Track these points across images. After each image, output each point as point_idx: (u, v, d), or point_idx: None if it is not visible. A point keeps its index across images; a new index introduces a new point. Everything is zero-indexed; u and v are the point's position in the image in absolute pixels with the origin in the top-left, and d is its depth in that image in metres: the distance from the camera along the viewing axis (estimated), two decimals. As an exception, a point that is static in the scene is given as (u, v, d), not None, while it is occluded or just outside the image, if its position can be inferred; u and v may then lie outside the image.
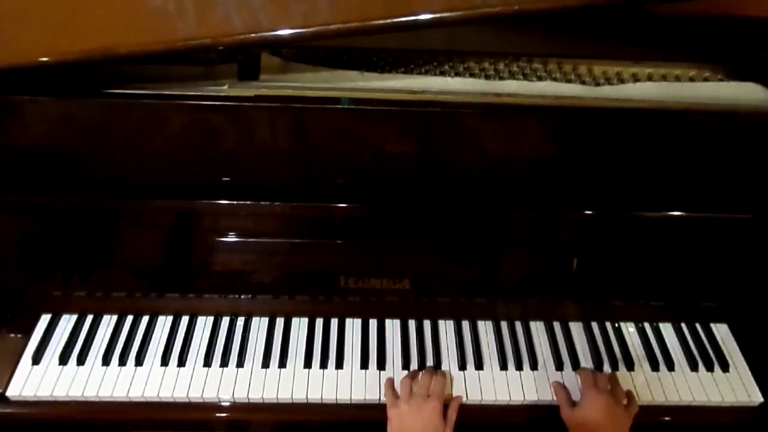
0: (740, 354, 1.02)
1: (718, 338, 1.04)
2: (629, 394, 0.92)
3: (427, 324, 1.03)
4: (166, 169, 0.90)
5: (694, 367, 0.99)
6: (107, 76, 0.86)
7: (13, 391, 0.91)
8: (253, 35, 0.75)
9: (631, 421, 0.87)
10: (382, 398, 0.93)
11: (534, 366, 0.98)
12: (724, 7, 0.97)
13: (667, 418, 0.96)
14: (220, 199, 0.91)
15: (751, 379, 0.98)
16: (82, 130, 0.86)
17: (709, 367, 0.99)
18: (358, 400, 0.93)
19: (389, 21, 0.74)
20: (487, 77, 0.95)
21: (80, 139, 0.87)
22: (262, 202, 0.91)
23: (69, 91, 0.83)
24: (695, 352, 1.01)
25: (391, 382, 0.93)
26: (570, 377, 0.97)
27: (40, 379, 0.92)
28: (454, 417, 0.89)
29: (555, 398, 0.93)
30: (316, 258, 0.97)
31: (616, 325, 1.05)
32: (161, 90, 0.85)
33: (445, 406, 0.91)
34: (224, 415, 0.93)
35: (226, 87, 0.86)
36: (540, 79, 0.95)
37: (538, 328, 1.04)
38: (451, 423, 0.88)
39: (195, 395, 0.92)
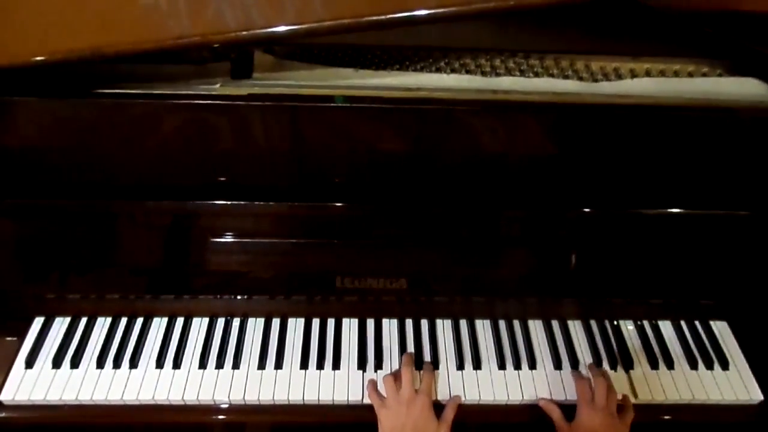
0: (740, 352, 1.01)
1: (718, 336, 1.03)
2: (625, 400, 0.92)
3: (424, 323, 1.02)
4: (159, 169, 0.89)
5: (693, 366, 0.99)
6: (98, 75, 0.85)
7: (6, 396, 0.90)
8: (244, 33, 0.74)
9: (627, 429, 0.87)
10: (380, 399, 0.92)
11: (532, 365, 0.97)
12: (722, 1, 0.96)
13: (666, 417, 0.95)
14: (214, 200, 0.90)
15: (751, 377, 0.97)
16: (72, 131, 0.85)
17: (709, 366, 0.98)
18: (355, 401, 0.92)
19: (383, 17, 0.73)
20: (484, 74, 0.93)
21: (70, 140, 0.86)
22: (256, 202, 0.90)
23: (59, 92, 0.82)
24: (695, 350, 1.01)
25: (373, 383, 0.92)
26: (568, 377, 0.96)
27: (34, 383, 0.91)
28: (452, 416, 0.88)
29: (554, 398, 0.92)
30: (312, 258, 0.96)
31: (615, 323, 1.05)
32: (153, 89, 0.83)
33: (443, 406, 0.91)
34: (220, 417, 0.93)
35: (218, 86, 0.85)
36: (537, 75, 0.94)
37: (536, 327, 1.03)
38: (448, 421, 0.87)
39: (190, 398, 0.91)
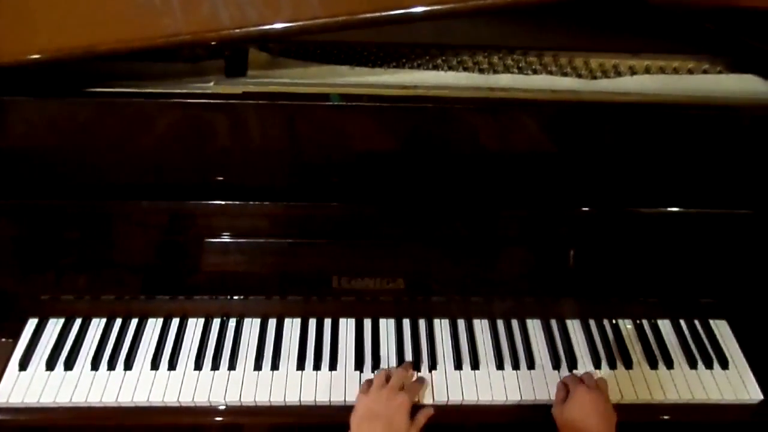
0: (739, 351, 1.00)
1: (717, 335, 1.02)
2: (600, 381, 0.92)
3: (422, 323, 1.01)
4: (153, 168, 0.88)
5: (692, 365, 0.98)
6: (91, 74, 0.84)
7: (-1, 398, 0.89)
8: (237, 30, 0.73)
9: (615, 416, 0.86)
10: (378, 399, 0.91)
11: (531, 365, 0.96)
12: (723, -3, 0.95)
13: (666, 417, 0.95)
14: (209, 200, 0.89)
15: (751, 376, 0.97)
16: (64, 130, 0.84)
17: (708, 365, 0.98)
18: (352, 402, 0.90)
19: (379, 14, 0.72)
20: (481, 71, 0.92)
21: (62, 139, 0.85)
22: (251, 202, 0.89)
23: (51, 91, 0.81)
24: (694, 349, 1.00)
25: (369, 381, 0.92)
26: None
27: (28, 386, 0.90)
28: (423, 422, 0.87)
29: (552, 397, 0.92)
30: (308, 258, 0.95)
31: (614, 322, 1.04)
32: (146, 88, 0.82)
33: (441, 409, 0.90)
34: (216, 419, 0.92)
35: (211, 84, 0.83)
36: (535, 72, 0.93)
37: (534, 326, 1.02)
38: (419, 426, 0.86)
39: (186, 399, 0.90)
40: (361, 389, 0.89)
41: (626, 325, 1.04)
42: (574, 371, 0.96)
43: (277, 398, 0.91)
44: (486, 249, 0.95)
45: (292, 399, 0.91)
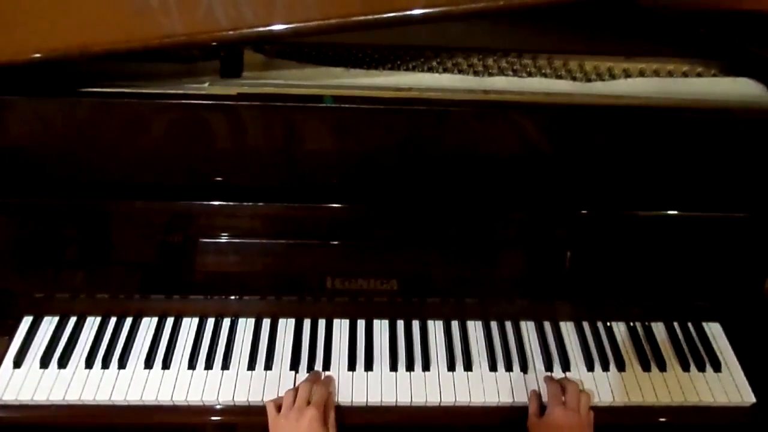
0: (732, 354, 1.00)
1: (711, 338, 1.03)
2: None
3: (415, 324, 1.02)
4: (148, 168, 0.88)
5: (685, 368, 0.98)
6: (87, 73, 0.84)
7: (-7, 396, 0.90)
8: (232, 32, 0.73)
9: (591, 428, 0.86)
10: (370, 401, 0.92)
11: (524, 367, 0.97)
12: (718, 0, 0.95)
13: (658, 419, 0.95)
14: (203, 200, 0.89)
15: (744, 379, 0.97)
16: (58, 130, 0.84)
17: (701, 368, 0.98)
18: (344, 402, 0.92)
19: (374, 17, 0.72)
20: (476, 73, 0.93)
21: (56, 139, 0.85)
22: (245, 203, 0.89)
23: (46, 91, 0.81)
24: (687, 352, 1.00)
25: (276, 398, 0.89)
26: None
27: (22, 383, 0.91)
28: (332, 415, 0.87)
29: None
30: (302, 259, 0.95)
31: (608, 324, 1.04)
32: (140, 88, 0.82)
33: (435, 408, 0.90)
34: (210, 418, 0.92)
35: (206, 85, 0.84)
36: (530, 75, 0.93)
37: (528, 328, 1.02)
38: (332, 423, 0.86)
39: (179, 398, 0.91)
40: (270, 417, 0.86)
41: (619, 328, 1.04)
42: (567, 373, 0.96)
43: (270, 398, 0.91)
44: (480, 251, 0.95)
45: (285, 399, 0.91)
